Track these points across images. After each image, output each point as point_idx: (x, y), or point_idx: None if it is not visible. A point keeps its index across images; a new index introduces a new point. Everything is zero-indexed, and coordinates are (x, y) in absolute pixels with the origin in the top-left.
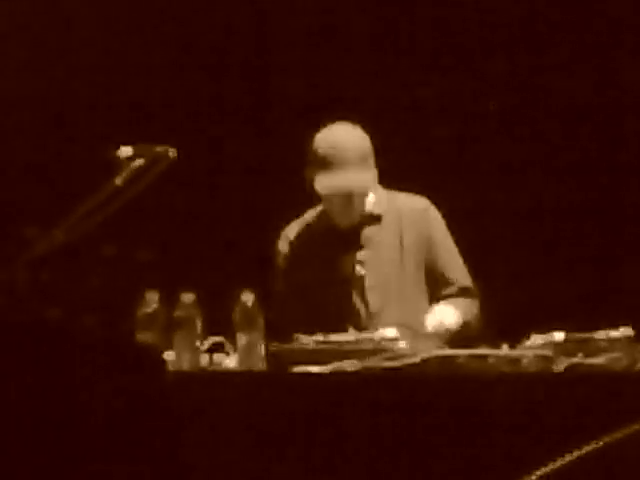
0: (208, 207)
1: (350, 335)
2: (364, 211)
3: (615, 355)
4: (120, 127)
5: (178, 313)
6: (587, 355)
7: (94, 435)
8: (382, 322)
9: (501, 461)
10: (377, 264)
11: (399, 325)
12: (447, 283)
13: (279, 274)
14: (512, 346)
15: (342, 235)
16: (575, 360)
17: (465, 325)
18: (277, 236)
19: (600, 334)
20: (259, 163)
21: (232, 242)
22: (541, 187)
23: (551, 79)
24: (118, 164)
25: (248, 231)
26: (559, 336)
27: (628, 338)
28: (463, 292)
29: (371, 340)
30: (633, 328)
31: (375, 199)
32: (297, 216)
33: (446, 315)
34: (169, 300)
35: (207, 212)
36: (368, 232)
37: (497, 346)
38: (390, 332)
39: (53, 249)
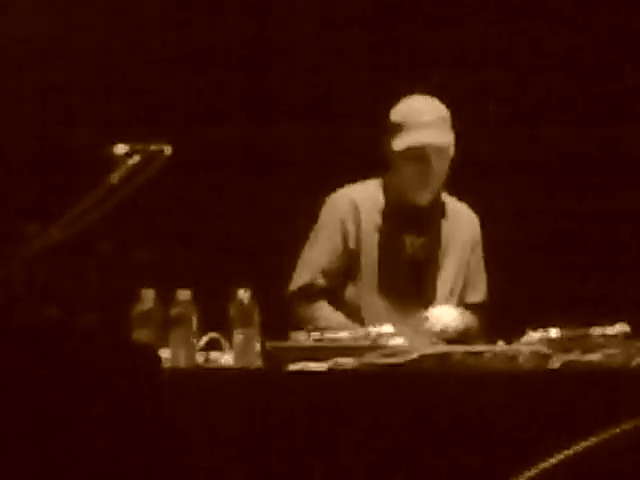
0: (204, 204)
1: (346, 332)
2: (440, 189)
3: (611, 352)
4: (116, 124)
5: (174, 310)
6: (583, 352)
7: (91, 433)
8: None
9: (497, 457)
10: (436, 252)
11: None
12: (463, 296)
13: (323, 235)
14: (508, 343)
15: (412, 217)
16: (571, 357)
17: (465, 330)
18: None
19: (596, 331)
20: (255, 160)
21: (228, 239)
22: (538, 183)
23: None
24: (114, 161)
25: (245, 228)
26: (555, 333)
27: (624, 335)
28: (475, 308)
29: (368, 337)
30: (629, 325)
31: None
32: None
33: (449, 315)
34: (165, 298)
35: (203, 210)
36: (437, 221)
37: (493, 343)
38: (387, 328)
39: (49, 247)
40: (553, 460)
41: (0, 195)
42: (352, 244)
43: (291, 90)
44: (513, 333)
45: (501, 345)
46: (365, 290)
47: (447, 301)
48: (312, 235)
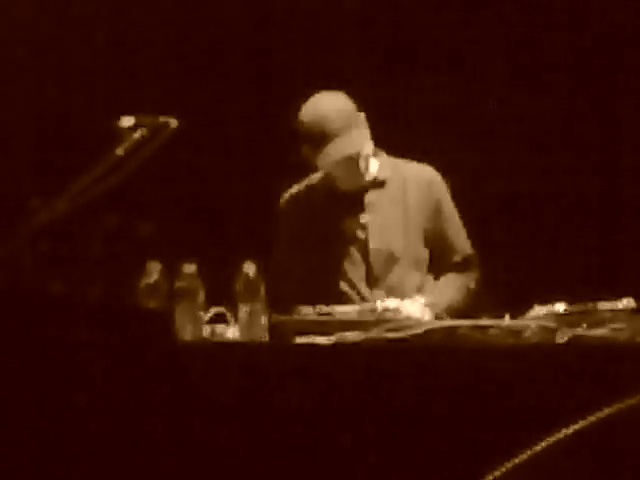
0: (210, 177)
1: (353, 306)
2: (367, 174)
3: (618, 326)
4: (122, 97)
5: (179, 284)
6: (590, 326)
7: (97, 409)
8: (384, 286)
9: (503, 432)
10: (380, 229)
11: (398, 291)
12: (453, 251)
13: (280, 236)
14: (514, 317)
15: (345, 198)
16: (578, 331)
17: (449, 308)
18: (279, 198)
19: (603, 305)
20: (261, 133)
21: (234, 212)
22: (546, 158)
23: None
24: (120, 134)
25: (250, 201)
26: (562, 307)
27: (631, 309)
28: (466, 261)
29: (373, 310)
30: (636, 299)
31: (379, 165)
32: (297, 180)
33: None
34: (171, 271)
35: (209, 183)
36: (371, 196)
37: (499, 317)
38: (392, 302)
39: (54, 220)
40: (559, 435)
41: (5, 169)
42: (296, 241)
43: (293, 64)
44: (519, 307)
45: (507, 319)
46: (321, 281)
47: (415, 262)
48: (273, 244)
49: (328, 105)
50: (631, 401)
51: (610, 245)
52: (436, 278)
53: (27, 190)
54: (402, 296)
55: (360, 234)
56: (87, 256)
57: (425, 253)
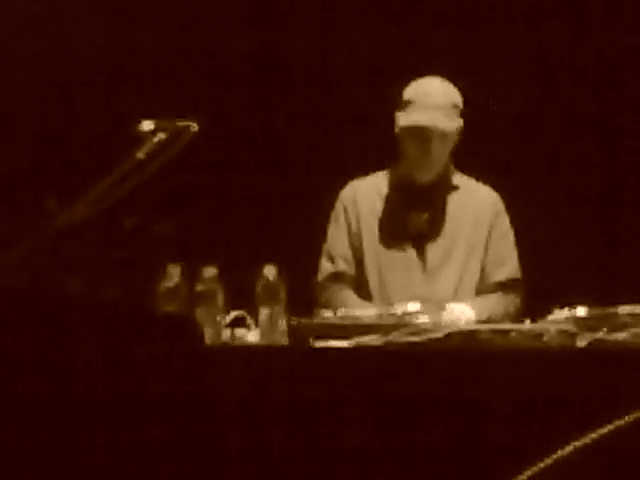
0: (231, 181)
1: (372, 309)
2: (441, 169)
3: (638, 330)
4: (142, 101)
5: (200, 287)
6: (610, 330)
7: (113, 409)
8: (438, 285)
9: (523, 436)
10: (442, 231)
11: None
12: (501, 271)
13: (338, 224)
14: (534, 321)
15: (415, 194)
16: (598, 335)
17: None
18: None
19: (623, 309)
20: (282, 135)
21: (255, 215)
22: (568, 157)
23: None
24: (140, 138)
25: (271, 204)
26: (582, 311)
27: None
28: (512, 284)
29: (394, 315)
30: None
31: (453, 173)
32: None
33: (460, 314)
34: (191, 274)
35: (229, 186)
36: (444, 198)
37: (520, 321)
38: (413, 307)
39: (75, 222)
40: (580, 441)
41: (26, 170)
42: (354, 226)
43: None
44: (540, 311)
45: (528, 323)
46: (370, 270)
47: (458, 278)
48: (328, 227)
49: (437, 84)
50: None
51: (632, 249)
52: (478, 294)
53: (46, 193)
54: (439, 302)
55: (423, 229)
56: (106, 258)
57: (477, 270)
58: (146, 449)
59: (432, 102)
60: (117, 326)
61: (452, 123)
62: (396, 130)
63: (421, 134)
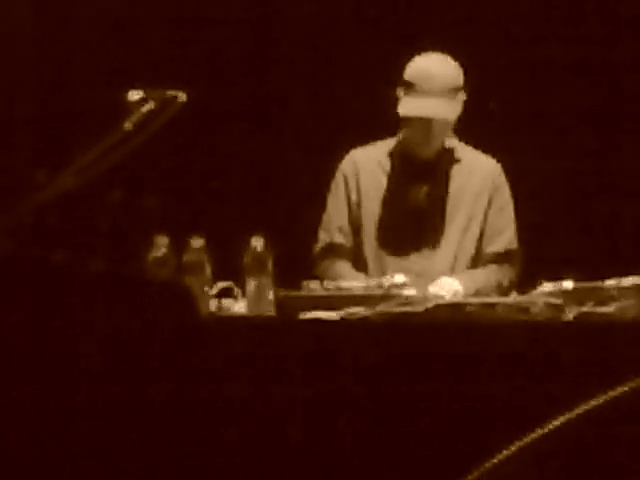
0: (218, 151)
1: (359, 281)
2: (444, 145)
3: (625, 304)
4: (130, 70)
5: (187, 258)
6: (597, 304)
7: (101, 387)
8: (434, 258)
9: (508, 409)
10: (442, 203)
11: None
12: (498, 241)
13: (337, 193)
14: (521, 294)
15: (416, 166)
16: (585, 308)
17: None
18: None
19: (610, 283)
20: (268, 106)
21: (242, 186)
22: (554, 136)
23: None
24: (128, 108)
25: (258, 175)
26: (569, 284)
27: (638, 287)
28: (507, 254)
29: (380, 286)
30: None
31: (456, 145)
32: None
33: (448, 288)
34: (178, 245)
35: (217, 156)
36: (445, 171)
37: (508, 294)
38: (399, 278)
39: (61, 193)
40: (568, 415)
41: (11, 143)
42: (354, 198)
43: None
44: (527, 284)
45: (514, 296)
46: (368, 242)
47: (455, 252)
48: (328, 197)
49: (440, 65)
50: (637, 380)
51: (618, 223)
52: (474, 265)
53: (33, 164)
54: (437, 275)
55: (423, 202)
56: (93, 230)
57: (474, 243)
58: (140, 418)
59: (434, 88)
60: (112, 293)
61: (453, 110)
62: (399, 113)
63: (422, 121)
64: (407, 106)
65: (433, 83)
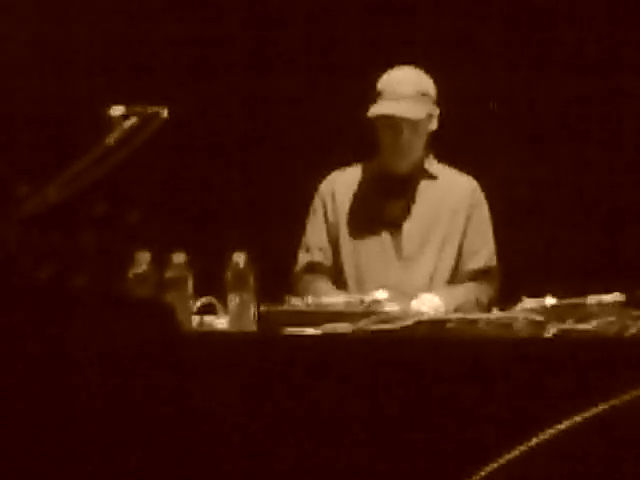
0: (200, 167)
1: (341, 297)
2: (417, 158)
3: (606, 320)
4: (113, 86)
5: (169, 273)
6: (578, 320)
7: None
8: (413, 273)
9: (491, 425)
10: (419, 218)
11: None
12: (476, 258)
13: (316, 214)
14: (503, 310)
15: (392, 183)
16: (566, 325)
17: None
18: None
19: (591, 299)
20: (253, 122)
21: (224, 202)
22: (538, 149)
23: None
24: (110, 123)
25: (240, 191)
26: (550, 301)
27: (619, 303)
28: (486, 272)
29: (362, 302)
30: (624, 294)
31: (433, 164)
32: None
33: (429, 304)
34: (160, 260)
35: (199, 172)
36: (421, 186)
37: (488, 310)
38: (380, 294)
39: (44, 208)
40: (547, 431)
41: None
42: (332, 218)
43: (295, 50)
44: (508, 300)
45: (496, 312)
46: (347, 261)
47: (433, 266)
48: (306, 220)
49: (407, 73)
50: (619, 396)
51: (599, 239)
52: (453, 282)
53: (16, 179)
54: (415, 291)
55: (399, 219)
56: (75, 245)
57: (452, 259)
58: (121, 435)
59: (400, 91)
60: (94, 310)
61: (420, 111)
62: (368, 116)
63: (390, 123)
64: (374, 109)
65: (399, 87)
